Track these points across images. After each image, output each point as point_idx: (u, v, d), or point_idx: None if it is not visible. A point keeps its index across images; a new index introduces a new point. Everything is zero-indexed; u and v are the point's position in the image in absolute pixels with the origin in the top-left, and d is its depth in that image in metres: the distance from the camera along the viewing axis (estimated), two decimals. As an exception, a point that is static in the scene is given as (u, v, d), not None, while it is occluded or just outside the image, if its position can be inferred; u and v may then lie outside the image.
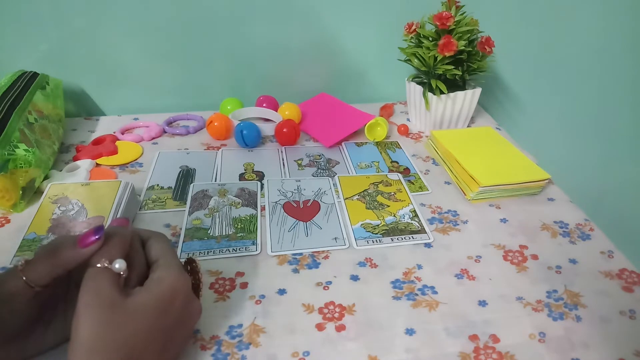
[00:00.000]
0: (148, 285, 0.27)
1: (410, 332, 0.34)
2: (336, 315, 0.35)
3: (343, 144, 0.61)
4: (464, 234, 0.45)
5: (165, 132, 0.63)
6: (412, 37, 0.61)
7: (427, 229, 0.45)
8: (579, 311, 0.37)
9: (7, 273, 0.27)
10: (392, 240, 0.43)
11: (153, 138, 0.61)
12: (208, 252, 0.41)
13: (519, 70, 0.65)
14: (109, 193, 0.44)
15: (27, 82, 0.55)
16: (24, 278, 0.27)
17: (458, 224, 0.46)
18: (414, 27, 0.60)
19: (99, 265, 0.26)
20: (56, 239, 0.28)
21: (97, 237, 0.27)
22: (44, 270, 0.27)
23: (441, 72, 0.58)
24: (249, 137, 0.58)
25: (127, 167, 0.55)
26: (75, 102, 0.67)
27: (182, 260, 0.32)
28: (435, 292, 0.38)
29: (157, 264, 0.29)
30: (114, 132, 0.61)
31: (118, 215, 0.41)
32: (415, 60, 0.60)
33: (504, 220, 0.47)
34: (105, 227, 0.28)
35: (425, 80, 0.63)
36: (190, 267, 0.32)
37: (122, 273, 0.27)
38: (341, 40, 0.70)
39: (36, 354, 0.30)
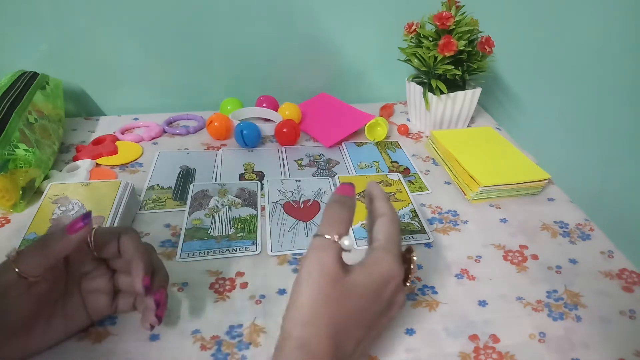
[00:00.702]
0: (366, 266, 0.27)
1: (410, 332, 0.34)
2: (336, 315, 0.35)
3: (343, 144, 0.61)
4: (464, 234, 0.45)
5: (165, 132, 0.63)
6: (412, 37, 0.61)
7: (427, 229, 0.45)
8: (579, 311, 0.37)
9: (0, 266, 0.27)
10: (392, 240, 0.43)
11: (153, 138, 0.61)
12: (208, 252, 0.41)
13: (519, 70, 0.65)
14: (109, 193, 0.44)
15: (27, 82, 0.55)
16: (17, 270, 0.27)
17: (458, 224, 0.46)
18: (414, 27, 0.60)
19: (328, 236, 0.26)
20: (47, 231, 0.28)
21: (84, 222, 0.27)
22: (35, 259, 0.27)
23: (441, 72, 0.58)
24: (249, 137, 0.58)
25: (127, 167, 0.55)
26: (75, 102, 0.67)
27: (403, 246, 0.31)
28: (435, 292, 0.38)
29: (378, 245, 0.28)
30: (114, 132, 0.61)
31: (117, 216, 0.41)
32: (415, 60, 0.60)
33: (504, 220, 0.47)
34: (333, 194, 0.28)
35: (425, 80, 0.63)
36: (408, 256, 0.31)
37: (349, 251, 0.26)
38: (341, 40, 0.70)
39: (38, 351, 0.30)
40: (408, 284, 0.30)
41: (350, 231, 0.26)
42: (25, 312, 0.28)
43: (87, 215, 0.28)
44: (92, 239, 0.30)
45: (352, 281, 0.26)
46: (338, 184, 0.52)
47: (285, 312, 0.25)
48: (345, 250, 0.26)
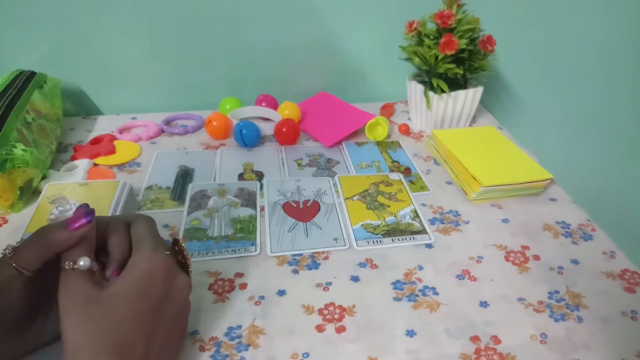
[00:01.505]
0: (123, 272, 0.27)
1: (410, 333, 0.34)
2: (336, 316, 0.35)
3: (343, 143, 0.61)
4: (465, 235, 0.45)
5: (163, 131, 0.62)
6: (413, 36, 0.61)
7: (428, 230, 0.45)
8: (580, 312, 0.36)
9: None
10: (393, 241, 0.43)
11: (151, 137, 0.61)
12: (207, 252, 0.41)
13: (521, 69, 0.64)
14: (107, 193, 0.43)
15: (24, 81, 0.54)
16: (14, 264, 0.26)
17: (459, 225, 0.46)
18: (415, 26, 0.59)
19: (66, 267, 0.26)
20: (42, 226, 0.28)
21: (88, 219, 0.27)
22: (32, 253, 0.27)
23: (442, 71, 0.58)
24: (248, 137, 0.57)
25: (125, 166, 0.54)
26: (73, 101, 0.67)
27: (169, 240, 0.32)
28: (436, 293, 0.38)
29: (134, 249, 0.29)
30: (112, 132, 0.61)
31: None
32: (416, 59, 0.60)
33: (505, 221, 0.47)
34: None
35: (426, 79, 0.63)
36: (178, 247, 0.31)
37: (92, 268, 0.27)
38: (341, 39, 0.69)
39: (40, 345, 0.30)
40: (190, 270, 0.31)
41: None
42: (24, 307, 0.28)
43: (90, 212, 0.27)
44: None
45: (111, 292, 0.26)
46: (338, 184, 0.52)
47: (62, 347, 0.25)
48: (92, 270, 0.27)
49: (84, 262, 0.26)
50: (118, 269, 0.29)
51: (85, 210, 0.28)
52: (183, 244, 0.31)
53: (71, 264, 0.26)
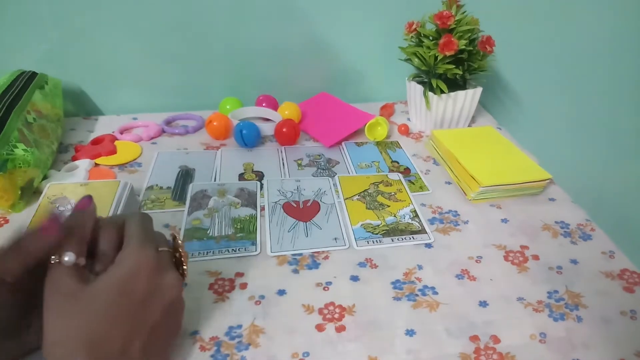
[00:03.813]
0: (109, 270, 0.27)
1: (410, 333, 0.34)
2: (336, 315, 0.35)
3: (343, 143, 0.61)
4: (464, 234, 0.45)
5: (164, 131, 0.63)
6: (412, 37, 0.61)
7: (427, 229, 0.45)
8: (580, 312, 0.36)
9: None
10: (393, 241, 0.43)
11: (152, 138, 0.61)
12: (207, 252, 0.41)
13: (520, 69, 0.64)
14: (108, 193, 0.43)
15: (25, 81, 0.54)
16: None
17: (459, 224, 0.46)
18: (414, 27, 0.60)
19: (51, 261, 0.26)
20: (19, 231, 0.28)
21: (59, 223, 0.27)
22: (10, 262, 0.27)
23: (442, 72, 0.58)
24: (249, 137, 0.57)
25: (126, 167, 0.54)
26: (74, 101, 0.67)
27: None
28: (436, 293, 0.38)
29: (123, 246, 0.29)
30: (113, 132, 0.61)
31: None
32: (416, 59, 0.60)
33: (504, 221, 0.47)
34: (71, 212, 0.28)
35: (425, 80, 0.63)
36: (174, 244, 0.31)
37: (79, 264, 0.27)
38: (341, 40, 0.69)
39: (38, 347, 0.30)
40: (184, 267, 0.31)
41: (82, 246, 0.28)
42: (16, 311, 0.28)
43: (58, 217, 0.27)
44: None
45: (95, 289, 0.26)
46: (338, 183, 0.52)
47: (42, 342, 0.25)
48: (79, 264, 0.27)
49: (68, 257, 0.26)
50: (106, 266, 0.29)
51: (53, 215, 0.27)
52: (179, 241, 0.31)
53: (57, 258, 0.26)
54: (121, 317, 0.26)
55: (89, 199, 0.29)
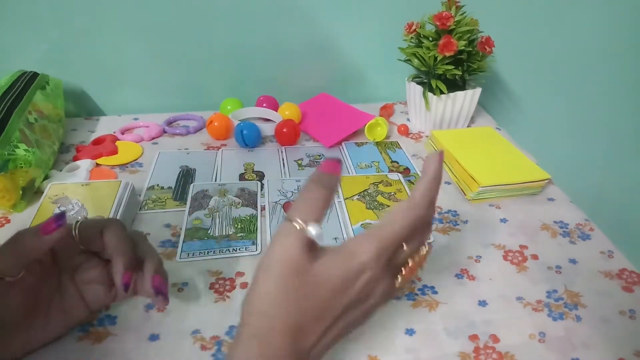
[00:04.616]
0: (340, 254, 0.24)
1: (410, 332, 0.34)
2: (336, 315, 0.35)
3: (343, 144, 0.61)
4: (464, 234, 0.45)
5: (165, 132, 0.63)
6: (412, 37, 0.61)
7: (427, 229, 0.45)
8: (579, 311, 0.37)
9: None
10: (392, 240, 0.43)
11: (153, 138, 0.61)
12: (208, 252, 0.41)
13: (519, 70, 0.64)
14: (109, 193, 0.44)
15: (27, 82, 0.55)
16: None
17: (458, 224, 0.46)
18: (414, 27, 0.60)
19: (295, 222, 0.24)
20: (19, 231, 0.28)
21: (57, 224, 0.27)
22: (9, 261, 0.27)
23: (441, 72, 0.58)
24: (249, 137, 0.58)
25: (127, 167, 0.55)
26: (75, 102, 0.67)
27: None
28: (435, 292, 0.38)
29: (368, 229, 0.26)
30: (114, 132, 0.61)
31: (117, 216, 0.41)
32: (415, 60, 0.60)
33: (504, 220, 0.47)
34: (315, 171, 0.25)
35: (425, 80, 0.63)
36: (417, 250, 0.28)
37: (319, 240, 0.24)
38: (341, 40, 0.70)
39: (41, 345, 0.30)
40: (399, 279, 0.27)
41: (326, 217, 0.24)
42: (17, 311, 0.28)
43: (61, 216, 0.27)
44: (76, 232, 0.30)
45: (319, 272, 0.24)
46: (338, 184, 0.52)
47: (245, 297, 0.24)
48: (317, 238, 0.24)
49: (316, 230, 0.23)
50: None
51: (56, 215, 0.27)
52: (423, 252, 0.27)
53: (303, 224, 0.23)
54: (328, 313, 0.24)
55: (338, 160, 0.26)
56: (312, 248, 0.24)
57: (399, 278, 0.27)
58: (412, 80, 0.64)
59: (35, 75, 0.57)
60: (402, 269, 0.27)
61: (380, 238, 0.25)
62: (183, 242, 0.42)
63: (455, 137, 0.58)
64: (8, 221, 0.44)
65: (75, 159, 0.55)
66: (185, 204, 0.47)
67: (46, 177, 0.50)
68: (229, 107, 0.65)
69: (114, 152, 0.56)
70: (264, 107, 0.65)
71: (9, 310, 0.28)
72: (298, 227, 0.24)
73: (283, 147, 0.60)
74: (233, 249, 0.41)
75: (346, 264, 0.24)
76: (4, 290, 0.27)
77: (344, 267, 0.24)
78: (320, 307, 0.24)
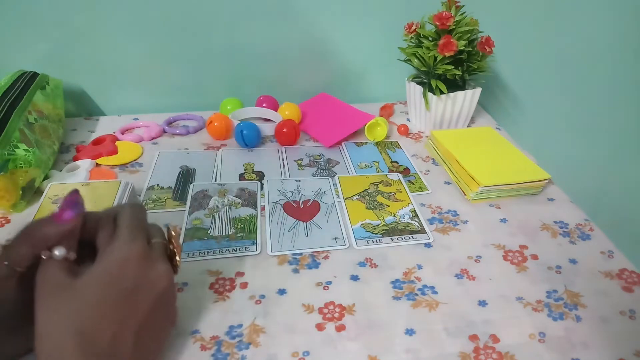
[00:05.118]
0: (96, 262, 0.27)
1: (410, 332, 0.34)
2: (336, 315, 0.35)
3: (343, 144, 0.61)
4: (464, 234, 0.45)
5: (165, 132, 0.63)
6: (412, 37, 0.61)
7: (427, 229, 0.45)
8: (579, 311, 0.37)
9: None
10: (392, 240, 0.43)
11: (153, 138, 0.61)
12: (208, 252, 0.41)
13: (519, 70, 0.65)
14: (109, 193, 0.44)
15: (27, 82, 0.55)
16: (6, 263, 0.27)
17: (458, 224, 0.46)
18: (414, 27, 0.60)
19: (42, 257, 0.27)
20: (32, 221, 0.28)
21: (75, 212, 0.27)
22: (24, 250, 0.27)
23: (441, 72, 0.58)
24: (249, 137, 0.58)
25: (127, 167, 0.55)
26: (75, 102, 0.67)
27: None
28: (435, 292, 0.38)
29: (113, 239, 0.29)
30: (114, 132, 0.61)
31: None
32: (415, 60, 0.60)
33: (504, 220, 0.47)
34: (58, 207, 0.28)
35: (425, 80, 0.63)
36: (167, 235, 0.31)
37: (69, 258, 0.27)
38: (341, 40, 0.70)
39: None
40: (177, 260, 0.31)
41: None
42: (23, 305, 0.28)
43: (77, 204, 0.27)
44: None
45: (83, 281, 0.26)
46: (338, 183, 0.52)
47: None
48: (69, 259, 0.27)
49: (59, 251, 0.27)
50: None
51: (70, 202, 0.27)
52: (173, 233, 0.31)
53: (48, 252, 0.27)
54: (110, 308, 0.26)
55: (76, 193, 0.29)
56: (71, 270, 0.27)
57: (177, 259, 0.31)
58: (412, 80, 0.64)
59: (35, 75, 0.57)
60: (173, 250, 0.31)
61: (122, 235, 0.28)
62: (183, 242, 0.42)
63: (455, 137, 0.58)
64: (8, 221, 0.44)
65: (75, 159, 0.55)
66: (185, 204, 0.47)
67: (46, 177, 0.50)
68: (229, 107, 0.65)
69: (114, 152, 0.56)
70: (264, 107, 0.65)
71: (14, 305, 0.28)
72: (46, 256, 0.27)
73: (283, 147, 0.60)
74: (233, 249, 0.41)
75: (101, 266, 0.27)
76: (14, 284, 0.27)
77: (102, 268, 0.27)
78: (97, 305, 0.26)
